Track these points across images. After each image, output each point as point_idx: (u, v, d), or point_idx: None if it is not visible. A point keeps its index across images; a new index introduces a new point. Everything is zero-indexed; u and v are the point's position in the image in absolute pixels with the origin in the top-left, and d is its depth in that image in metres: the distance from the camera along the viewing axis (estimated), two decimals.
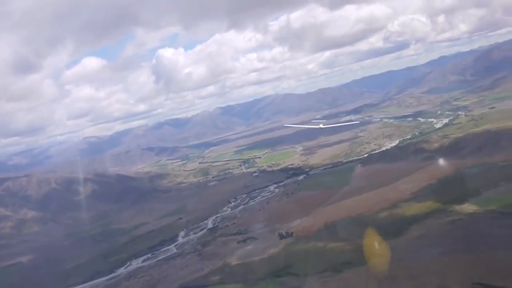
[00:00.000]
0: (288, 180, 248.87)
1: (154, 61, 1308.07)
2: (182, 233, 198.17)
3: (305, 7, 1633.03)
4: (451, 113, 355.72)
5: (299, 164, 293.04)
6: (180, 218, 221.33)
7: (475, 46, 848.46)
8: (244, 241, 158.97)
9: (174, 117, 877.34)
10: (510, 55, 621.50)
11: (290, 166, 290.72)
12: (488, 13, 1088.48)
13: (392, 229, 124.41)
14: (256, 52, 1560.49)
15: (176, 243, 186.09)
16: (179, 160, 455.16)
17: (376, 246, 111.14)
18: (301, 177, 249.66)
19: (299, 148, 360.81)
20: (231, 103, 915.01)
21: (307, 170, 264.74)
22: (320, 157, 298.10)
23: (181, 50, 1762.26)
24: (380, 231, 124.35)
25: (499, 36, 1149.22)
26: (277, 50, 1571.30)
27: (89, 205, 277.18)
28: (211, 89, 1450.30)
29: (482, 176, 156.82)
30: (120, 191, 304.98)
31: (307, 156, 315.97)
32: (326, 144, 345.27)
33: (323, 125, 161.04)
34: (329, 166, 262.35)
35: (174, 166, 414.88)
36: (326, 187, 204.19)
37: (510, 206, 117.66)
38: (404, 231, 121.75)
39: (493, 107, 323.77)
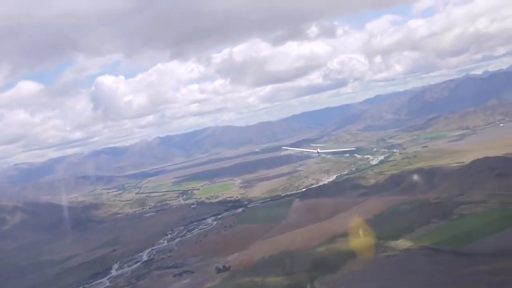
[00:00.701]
0: (226, 213, 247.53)
1: (93, 87, 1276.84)
2: (116, 266, 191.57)
3: (248, 42, 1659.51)
4: (386, 150, 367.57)
5: (237, 196, 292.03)
6: (114, 250, 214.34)
7: (409, 86, 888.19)
8: (180, 274, 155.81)
9: (111, 145, 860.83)
10: (441, 96, 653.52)
11: (228, 199, 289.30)
12: (422, 56, 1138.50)
13: (329, 263, 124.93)
14: (198, 83, 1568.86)
15: (110, 276, 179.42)
16: (115, 190, 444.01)
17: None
18: (240, 210, 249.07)
19: (238, 180, 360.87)
20: (171, 134, 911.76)
21: (246, 203, 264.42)
22: (259, 190, 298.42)
23: (121, 77, 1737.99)
24: (318, 265, 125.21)
25: (431, 78, 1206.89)
26: (219, 82, 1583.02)
27: (17, 235, 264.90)
28: (150, 118, 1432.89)
29: (415, 213, 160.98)
30: (52, 220, 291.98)
31: (246, 189, 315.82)
32: (265, 177, 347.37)
33: (320, 149, 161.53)
34: (268, 199, 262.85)
35: (109, 196, 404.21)
36: (265, 221, 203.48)
37: (442, 243, 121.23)
38: (341, 266, 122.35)
39: (426, 146, 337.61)
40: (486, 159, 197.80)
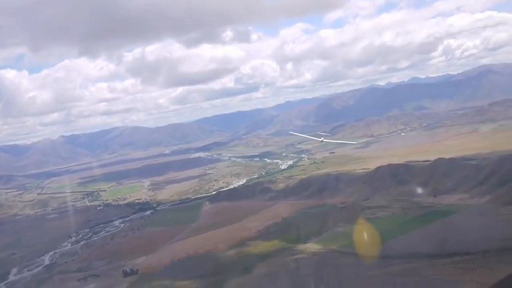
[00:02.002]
0: (134, 215, 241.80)
1: None
2: (14, 270, 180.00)
3: (161, 42, 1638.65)
4: (295, 155, 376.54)
5: (146, 199, 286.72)
6: (13, 253, 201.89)
7: (317, 94, 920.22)
8: (85, 279, 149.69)
9: (11, 143, 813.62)
10: (348, 105, 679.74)
11: (137, 201, 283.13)
12: (330, 65, 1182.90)
13: (240, 266, 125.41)
14: (107, 82, 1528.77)
15: (7, 281, 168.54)
16: (15, 190, 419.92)
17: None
18: (148, 212, 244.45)
19: (146, 182, 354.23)
20: (77, 133, 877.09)
21: (155, 205, 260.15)
22: (168, 193, 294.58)
23: (25, 72, 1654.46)
24: (228, 268, 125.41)
25: (338, 87, 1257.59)
26: (129, 82, 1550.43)
27: None
28: (55, 116, 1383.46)
29: (323, 216, 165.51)
30: None
31: (155, 191, 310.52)
32: (175, 180, 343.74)
33: (324, 139, 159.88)
34: (177, 202, 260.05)
35: (8, 196, 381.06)
36: (174, 224, 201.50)
37: (349, 246, 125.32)
38: (251, 269, 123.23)
39: (333, 152, 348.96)
40: (389, 166, 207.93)
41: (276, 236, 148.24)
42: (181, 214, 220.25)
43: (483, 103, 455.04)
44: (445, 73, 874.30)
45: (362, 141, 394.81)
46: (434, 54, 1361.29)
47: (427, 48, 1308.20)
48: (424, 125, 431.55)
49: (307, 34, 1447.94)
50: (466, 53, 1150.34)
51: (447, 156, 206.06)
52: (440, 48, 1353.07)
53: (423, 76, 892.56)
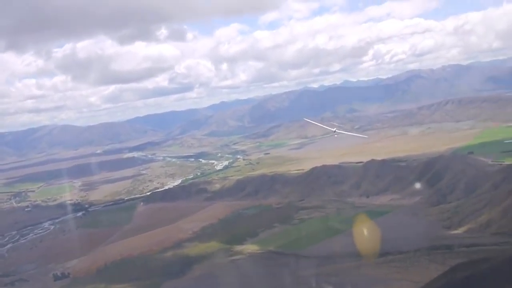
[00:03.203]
0: (65, 217, 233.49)
1: None
2: None
3: (93, 38, 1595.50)
4: (230, 156, 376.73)
5: (78, 199, 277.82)
6: None
7: (252, 95, 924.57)
8: (12, 283, 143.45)
9: None
10: (282, 106, 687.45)
11: (68, 202, 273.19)
12: (265, 66, 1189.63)
13: (175, 268, 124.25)
14: (36, 78, 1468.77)
15: None
16: None
17: None
18: (80, 213, 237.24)
19: (78, 183, 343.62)
20: (2, 131, 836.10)
21: (87, 206, 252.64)
22: (101, 193, 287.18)
23: None
24: (163, 271, 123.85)
25: (273, 88, 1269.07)
26: (59, 79, 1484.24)
27: None
28: None
29: (259, 217, 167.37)
30: None
31: (87, 192, 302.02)
32: (108, 180, 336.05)
33: (337, 130, 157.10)
34: (110, 203, 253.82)
35: None
36: (107, 225, 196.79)
37: (285, 246, 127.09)
38: (187, 271, 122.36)
39: (268, 153, 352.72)
40: (323, 167, 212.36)
41: (212, 237, 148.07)
42: (115, 216, 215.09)
43: (411, 106, 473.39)
44: (375, 77, 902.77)
45: (296, 142, 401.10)
46: (365, 58, 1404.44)
47: (358, 52, 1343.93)
48: (356, 127, 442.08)
49: (243, 35, 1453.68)
50: (395, 58, 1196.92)
51: (379, 158, 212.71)
52: (371, 52, 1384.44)
53: (354, 80, 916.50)
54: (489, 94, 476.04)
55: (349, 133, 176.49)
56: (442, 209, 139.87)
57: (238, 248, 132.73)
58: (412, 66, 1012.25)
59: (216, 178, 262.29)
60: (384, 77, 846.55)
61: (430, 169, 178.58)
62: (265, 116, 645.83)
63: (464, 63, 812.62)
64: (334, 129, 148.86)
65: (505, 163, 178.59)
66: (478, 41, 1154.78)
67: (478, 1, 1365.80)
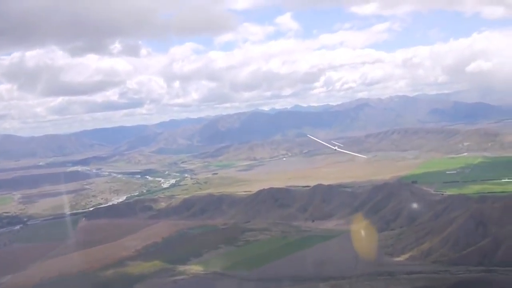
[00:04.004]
0: (1, 230, 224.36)
1: None
2: None
3: (44, 48, 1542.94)
4: (178, 174, 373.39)
5: (15, 212, 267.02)
6: None
7: (203, 114, 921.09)
8: None
9: None
10: (233, 127, 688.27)
11: (5, 214, 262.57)
12: (217, 87, 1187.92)
13: (116, 287, 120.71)
14: None
15: None
16: None
17: None
18: (18, 227, 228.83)
19: (17, 195, 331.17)
20: None
21: (25, 219, 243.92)
22: (41, 207, 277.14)
23: None
24: None
25: (224, 109, 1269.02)
26: (4, 87, 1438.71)
27: None
28: None
29: (204, 238, 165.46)
30: None
31: (26, 205, 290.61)
32: (49, 193, 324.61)
33: (338, 148, 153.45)
34: (51, 217, 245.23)
35: None
36: (46, 240, 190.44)
37: (230, 268, 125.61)
38: None
39: (216, 173, 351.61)
40: (270, 189, 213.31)
41: (156, 256, 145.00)
42: (55, 230, 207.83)
43: (359, 134, 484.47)
44: (325, 103, 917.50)
45: (245, 163, 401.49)
46: (316, 84, 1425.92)
47: (310, 78, 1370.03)
48: (304, 151, 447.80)
49: (197, 54, 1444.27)
50: (346, 86, 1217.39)
51: (326, 183, 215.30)
52: (322, 79, 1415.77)
53: (305, 105, 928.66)
54: (433, 126, 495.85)
55: (349, 152, 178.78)
56: (386, 236, 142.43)
57: (182, 268, 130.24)
58: (361, 95, 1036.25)
59: (162, 196, 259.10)
60: (334, 104, 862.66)
61: (375, 196, 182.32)
62: (215, 136, 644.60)
63: (411, 94, 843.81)
64: (335, 147, 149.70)
65: (446, 193, 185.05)
66: (425, 74, 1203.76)
67: (427, 35, 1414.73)
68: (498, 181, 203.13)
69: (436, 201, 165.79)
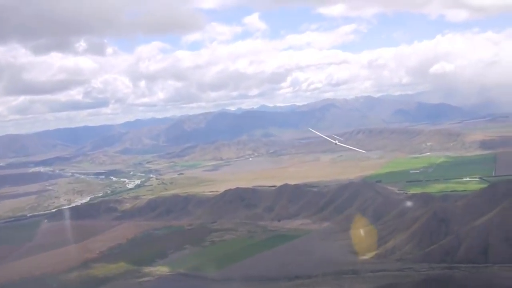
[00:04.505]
0: None
1: None
2: None
3: (5, 45, 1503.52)
4: (143, 175, 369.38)
5: None
6: None
7: (169, 114, 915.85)
8: None
9: None
10: (199, 127, 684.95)
11: None
12: (184, 86, 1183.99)
13: None
14: None
15: None
16: None
17: None
18: None
19: None
20: None
21: None
22: (1, 209, 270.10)
23: None
24: None
25: (190, 109, 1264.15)
26: None
27: None
28: None
29: (170, 238, 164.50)
30: None
31: None
32: (9, 195, 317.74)
33: (338, 142, 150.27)
34: (11, 219, 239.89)
35: None
36: (6, 242, 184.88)
37: (195, 268, 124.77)
38: None
39: (182, 173, 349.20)
40: (237, 189, 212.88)
41: (120, 258, 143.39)
42: (15, 232, 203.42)
43: (325, 134, 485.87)
44: (291, 104, 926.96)
45: (211, 163, 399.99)
46: (283, 84, 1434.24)
47: (276, 78, 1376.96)
48: (270, 151, 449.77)
49: (164, 54, 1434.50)
50: (312, 87, 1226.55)
51: (292, 182, 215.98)
52: (289, 79, 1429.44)
53: (271, 105, 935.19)
54: (397, 126, 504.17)
55: (349, 147, 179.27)
56: (351, 235, 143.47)
57: (147, 269, 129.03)
58: (327, 95, 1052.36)
59: (127, 197, 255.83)
60: (300, 104, 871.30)
61: (340, 196, 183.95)
62: (181, 136, 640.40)
63: (376, 95, 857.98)
64: (335, 141, 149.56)
65: (410, 192, 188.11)
66: (389, 75, 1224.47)
67: (392, 37, 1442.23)
68: (460, 180, 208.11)
69: (400, 200, 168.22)
